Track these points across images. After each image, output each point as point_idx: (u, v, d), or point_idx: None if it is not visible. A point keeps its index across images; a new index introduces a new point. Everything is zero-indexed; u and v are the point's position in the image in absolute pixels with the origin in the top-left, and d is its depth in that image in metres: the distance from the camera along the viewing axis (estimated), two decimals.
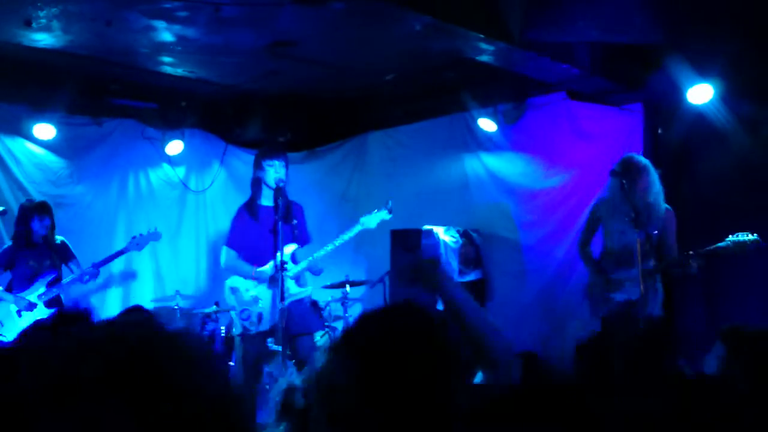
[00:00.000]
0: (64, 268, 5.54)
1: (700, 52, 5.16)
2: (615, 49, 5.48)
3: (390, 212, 4.98)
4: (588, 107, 6.12)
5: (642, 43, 5.25)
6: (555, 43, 5.08)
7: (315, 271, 4.96)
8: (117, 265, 6.50)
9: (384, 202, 5.03)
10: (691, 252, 4.50)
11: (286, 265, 4.72)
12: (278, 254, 4.65)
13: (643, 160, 4.74)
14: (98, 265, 5.41)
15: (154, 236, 5.69)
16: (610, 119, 6.10)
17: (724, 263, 4.68)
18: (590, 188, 6.11)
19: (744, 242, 4.34)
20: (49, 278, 5.37)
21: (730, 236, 4.40)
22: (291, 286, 4.79)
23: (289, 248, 4.85)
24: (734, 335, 2.19)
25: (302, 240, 4.94)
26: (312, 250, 4.90)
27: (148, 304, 6.35)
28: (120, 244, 6.60)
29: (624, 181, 4.55)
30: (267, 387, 5.49)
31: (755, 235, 4.36)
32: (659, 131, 5.84)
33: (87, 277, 5.37)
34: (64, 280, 5.35)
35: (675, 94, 5.47)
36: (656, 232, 4.66)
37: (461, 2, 4.54)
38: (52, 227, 5.41)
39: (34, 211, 5.32)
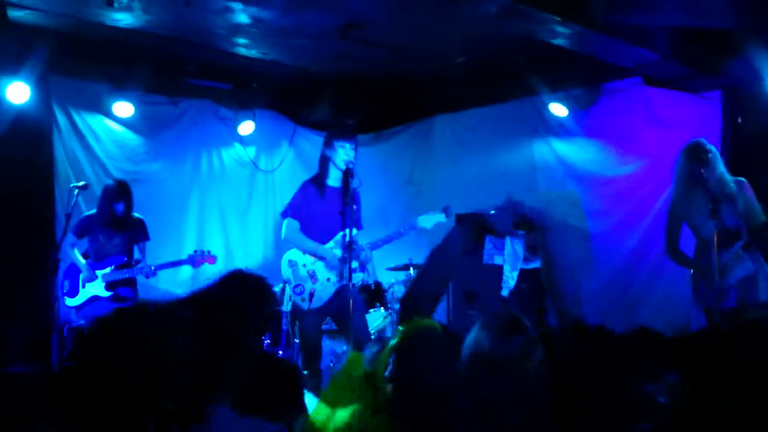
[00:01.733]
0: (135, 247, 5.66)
1: None
2: (693, 34, 5.32)
3: (447, 215, 5.00)
4: (664, 93, 5.97)
5: (723, 27, 5.08)
6: (632, 26, 4.95)
7: (364, 261, 4.95)
8: (190, 241, 6.67)
9: (441, 205, 5.09)
10: None
11: (355, 246, 4.74)
12: (346, 234, 4.67)
13: (708, 145, 4.56)
14: (159, 268, 5.46)
15: (210, 259, 5.63)
16: (687, 106, 5.93)
17: None
18: (664, 177, 5.94)
19: None
20: (119, 261, 5.48)
21: None
22: (344, 270, 4.77)
23: (347, 232, 4.84)
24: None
25: (357, 227, 4.94)
26: (364, 238, 4.91)
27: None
28: (192, 221, 6.82)
29: (696, 171, 4.43)
30: (331, 365, 5.57)
31: None
32: (738, 120, 5.65)
33: (143, 274, 5.45)
34: (126, 274, 5.43)
35: (756, 82, 5.30)
36: (740, 213, 4.46)
37: None
38: (129, 207, 5.50)
39: (113, 193, 5.44)
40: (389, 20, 5.33)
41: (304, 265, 4.87)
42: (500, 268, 6.25)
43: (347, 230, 4.66)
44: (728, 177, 4.50)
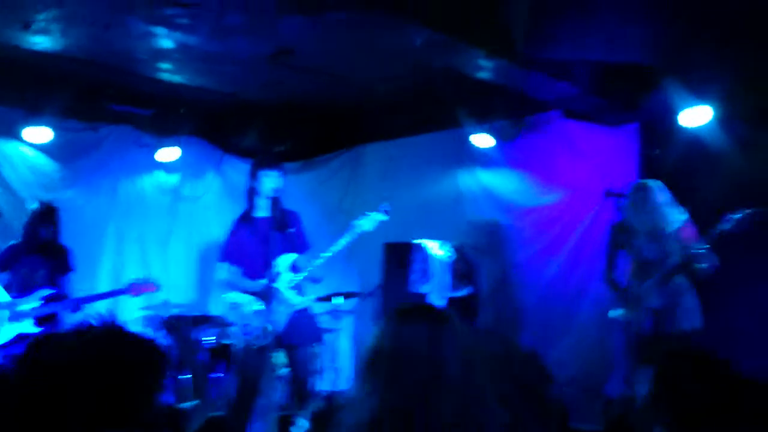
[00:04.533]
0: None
1: (697, 74, 5.21)
2: (612, 70, 5.51)
3: (386, 213, 4.84)
4: (584, 126, 6.15)
5: (640, 63, 5.28)
6: (554, 61, 5.10)
7: (315, 279, 4.89)
8: (105, 272, 6.45)
9: (378, 204, 4.91)
10: (698, 246, 4.41)
11: (284, 276, 4.66)
12: (272, 265, 4.60)
13: (646, 183, 4.75)
14: (85, 302, 5.13)
15: (152, 287, 5.31)
16: (606, 139, 6.13)
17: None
18: (584, 207, 6.15)
19: (751, 214, 4.26)
20: (47, 293, 5.18)
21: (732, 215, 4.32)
22: (292, 297, 4.71)
23: (288, 258, 4.77)
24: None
25: (301, 248, 4.86)
26: (311, 257, 4.82)
27: (137, 312, 6.29)
28: (109, 251, 6.58)
29: (633, 204, 4.61)
30: (262, 404, 5.43)
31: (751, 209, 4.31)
32: (655, 152, 5.87)
33: (70, 309, 5.13)
34: (56, 308, 5.11)
35: (670, 116, 5.51)
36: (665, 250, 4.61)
37: (463, 16, 4.54)
38: (56, 231, 5.29)
39: (39, 216, 5.23)
40: (318, 47, 5.32)
41: (247, 304, 4.74)
42: (424, 297, 6.27)
43: (274, 261, 4.60)
44: (666, 215, 4.63)
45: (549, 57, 5.00)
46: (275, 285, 4.65)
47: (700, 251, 4.38)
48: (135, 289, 5.25)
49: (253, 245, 4.79)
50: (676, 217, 4.64)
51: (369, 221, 4.81)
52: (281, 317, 4.65)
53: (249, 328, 4.68)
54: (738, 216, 4.31)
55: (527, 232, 6.55)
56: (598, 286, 5.33)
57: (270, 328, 4.66)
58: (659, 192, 4.67)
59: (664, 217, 4.62)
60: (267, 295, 4.72)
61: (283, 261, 4.71)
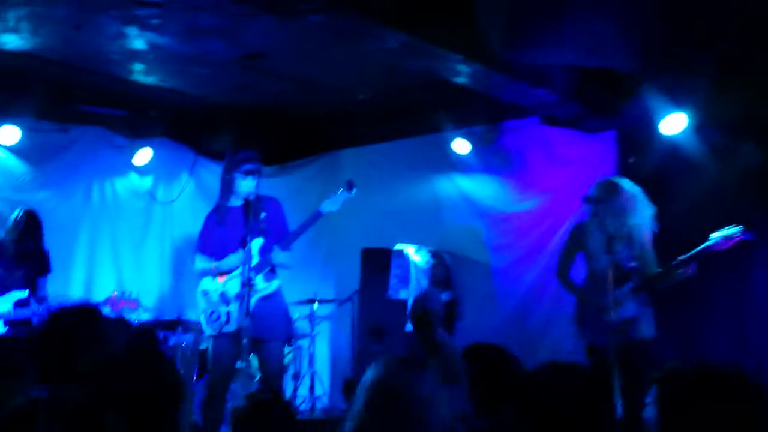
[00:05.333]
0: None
1: (675, 82, 5.20)
2: (590, 76, 5.50)
3: (350, 190, 4.78)
4: (561, 132, 6.14)
5: (618, 69, 5.27)
6: (532, 67, 5.07)
7: (285, 266, 4.86)
8: (78, 275, 6.33)
9: (344, 183, 4.85)
10: (676, 260, 4.37)
11: (253, 260, 4.57)
12: (245, 268, 4.51)
13: (619, 183, 4.63)
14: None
15: (132, 303, 5.22)
16: (584, 145, 6.12)
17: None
18: (562, 213, 6.12)
19: (732, 234, 4.22)
20: (19, 297, 5.07)
21: (714, 234, 4.29)
22: (258, 281, 4.64)
23: (257, 243, 4.68)
24: (666, 377, 2.13)
25: (276, 233, 4.78)
26: (282, 242, 4.77)
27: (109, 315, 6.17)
28: (81, 254, 6.45)
29: (596, 206, 4.51)
30: (228, 404, 5.34)
31: (740, 227, 4.26)
32: (630, 159, 5.85)
33: (39, 317, 5.01)
34: (26, 311, 4.99)
35: (648, 123, 5.51)
36: (635, 255, 4.54)
37: (440, 21, 4.49)
38: (39, 239, 5.22)
39: (23, 225, 5.13)
40: (291, 52, 5.26)
41: (216, 290, 4.78)
42: (405, 302, 6.22)
43: (248, 263, 4.52)
44: (641, 222, 4.54)
45: (527, 62, 4.97)
46: (243, 289, 4.55)
47: (684, 258, 4.34)
48: (114, 303, 5.17)
49: (225, 234, 4.79)
50: (647, 218, 4.58)
51: (334, 202, 4.78)
52: (249, 303, 4.51)
53: (215, 315, 4.70)
54: (723, 232, 4.27)
55: (506, 238, 6.52)
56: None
57: (234, 314, 4.61)
58: (631, 191, 4.58)
59: (639, 221, 4.55)
60: (235, 281, 4.69)
61: (253, 245, 4.62)
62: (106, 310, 5.18)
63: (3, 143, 5.92)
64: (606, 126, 5.96)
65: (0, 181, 6.02)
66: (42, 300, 5.13)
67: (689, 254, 4.34)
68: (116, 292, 5.25)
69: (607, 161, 5.94)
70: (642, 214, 4.54)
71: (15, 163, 6.11)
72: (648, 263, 4.53)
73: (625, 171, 5.76)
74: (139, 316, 6.10)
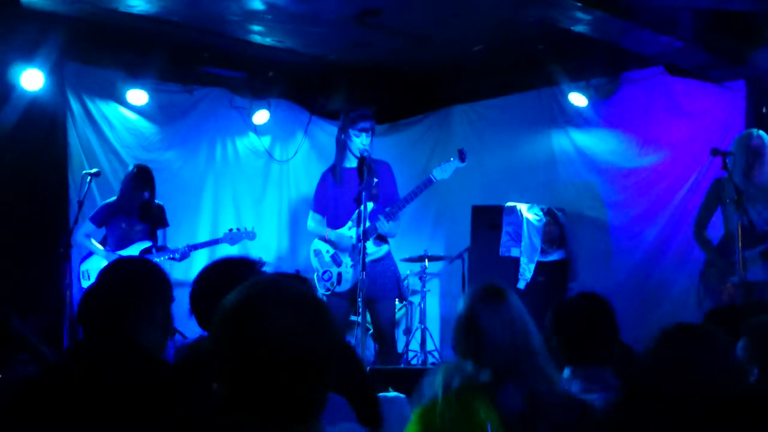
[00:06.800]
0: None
1: None
2: (718, 22, 5.20)
3: (462, 160, 4.84)
4: (687, 83, 5.85)
5: (751, 11, 4.94)
6: (656, 11, 4.83)
7: (390, 235, 5.01)
8: (203, 232, 6.63)
9: (456, 152, 4.89)
10: None
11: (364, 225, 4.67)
12: (360, 227, 4.60)
13: (758, 136, 4.37)
14: (193, 248, 5.51)
15: (249, 236, 5.70)
16: (710, 97, 5.81)
17: None
18: (686, 168, 5.86)
19: None
20: (144, 246, 5.46)
21: None
22: (368, 246, 4.74)
23: (368, 207, 4.79)
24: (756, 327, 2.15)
25: (387, 198, 4.90)
26: (392, 207, 4.91)
27: None
28: (206, 210, 6.78)
29: (731, 160, 4.29)
30: None
31: None
32: (763, 110, 5.51)
33: (178, 255, 5.45)
34: (157, 257, 5.36)
35: None
36: None
37: None
38: (152, 194, 5.51)
39: (137, 179, 5.43)
40: (406, 7, 5.25)
41: (327, 251, 5.04)
42: (517, 260, 6.16)
43: (363, 221, 4.61)
44: None
45: (651, 5, 4.73)
46: (353, 233, 4.70)
47: None
48: (233, 238, 5.64)
49: (338, 195, 5.00)
50: None
51: (446, 170, 4.81)
52: (359, 265, 4.63)
53: (327, 275, 4.96)
54: None
55: (625, 195, 6.31)
56: (701, 254, 5.05)
57: (345, 276, 4.77)
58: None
59: None
60: (347, 243, 4.92)
61: (364, 210, 4.71)
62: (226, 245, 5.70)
63: (133, 104, 6.24)
64: (735, 75, 5.63)
65: (131, 141, 6.36)
66: (162, 249, 5.51)
67: None
68: (232, 228, 5.76)
69: (737, 113, 5.62)
70: None
71: (144, 124, 6.44)
72: None
73: (757, 123, 5.44)
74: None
